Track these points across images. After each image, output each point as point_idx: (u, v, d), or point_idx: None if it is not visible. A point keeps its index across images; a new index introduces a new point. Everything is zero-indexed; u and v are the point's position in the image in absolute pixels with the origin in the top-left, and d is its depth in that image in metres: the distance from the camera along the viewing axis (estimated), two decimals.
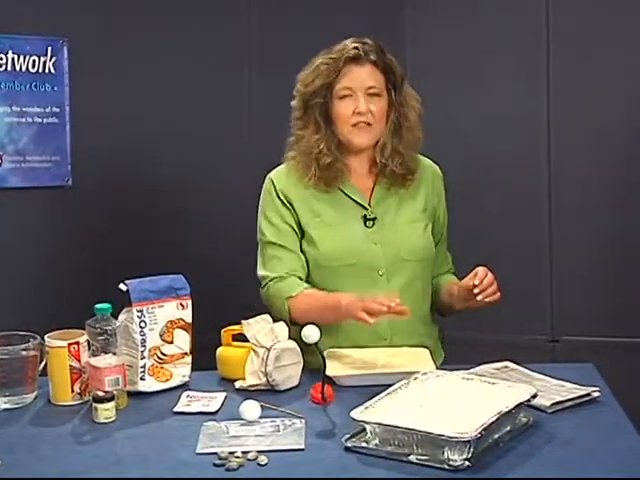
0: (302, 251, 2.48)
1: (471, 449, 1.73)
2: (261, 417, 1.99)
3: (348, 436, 1.86)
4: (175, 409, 2.13)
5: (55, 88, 3.48)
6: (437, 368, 2.21)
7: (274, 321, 2.30)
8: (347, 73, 2.41)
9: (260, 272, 2.51)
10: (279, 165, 2.55)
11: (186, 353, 2.30)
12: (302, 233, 2.48)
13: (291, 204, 2.47)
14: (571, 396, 2.07)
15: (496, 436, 1.83)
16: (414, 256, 2.47)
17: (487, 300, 2.31)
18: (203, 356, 2.34)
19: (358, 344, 2.40)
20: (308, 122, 2.46)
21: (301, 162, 2.47)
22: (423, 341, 2.47)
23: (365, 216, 2.46)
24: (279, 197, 2.48)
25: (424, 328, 2.53)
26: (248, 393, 2.20)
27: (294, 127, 2.50)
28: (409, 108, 2.47)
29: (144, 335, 2.23)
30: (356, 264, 2.42)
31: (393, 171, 2.46)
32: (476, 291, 2.30)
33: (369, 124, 2.41)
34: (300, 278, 2.45)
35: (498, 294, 2.33)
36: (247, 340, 2.27)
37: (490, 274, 2.32)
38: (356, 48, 2.40)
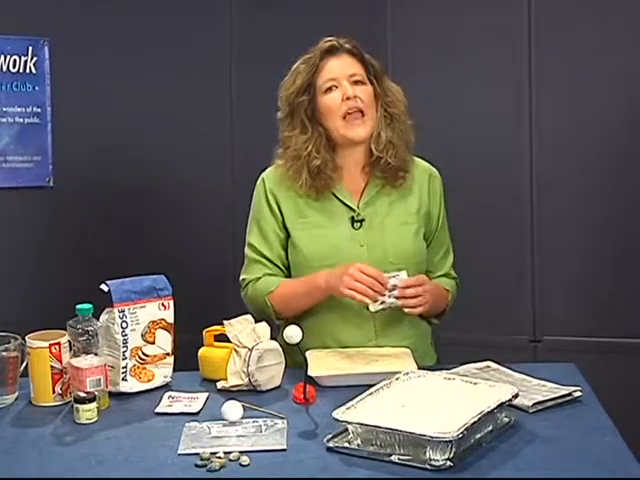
0: (286, 252, 2.48)
1: (453, 449, 1.73)
2: (243, 417, 1.99)
3: (330, 436, 1.86)
4: (157, 410, 2.12)
5: (36, 88, 3.47)
6: (419, 368, 2.22)
7: (257, 322, 2.30)
8: (326, 65, 2.41)
9: (241, 276, 2.54)
10: (267, 167, 2.53)
11: (168, 353, 2.30)
12: (287, 234, 2.47)
13: (278, 204, 2.46)
14: (552, 396, 2.08)
15: (478, 436, 1.84)
16: (401, 259, 2.43)
17: (406, 311, 2.33)
18: (185, 356, 2.33)
19: (345, 345, 2.40)
20: (295, 124, 2.44)
21: (291, 169, 2.44)
22: (413, 342, 2.46)
23: (353, 217, 2.45)
24: (268, 198, 2.47)
25: (412, 330, 2.49)
26: (230, 393, 2.19)
27: (282, 132, 2.48)
28: (395, 99, 2.47)
29: (126, 336, 2.22)
30: (338, 265, 2.37)
31: (388, 163, 2.44)
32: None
33: (361, 112, 2.39)
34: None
35: (418, 309, 2.33)
36: (229, 340, 2.27)
37: (419, 288, 2.31)
38: (330, 41, 2.43)
